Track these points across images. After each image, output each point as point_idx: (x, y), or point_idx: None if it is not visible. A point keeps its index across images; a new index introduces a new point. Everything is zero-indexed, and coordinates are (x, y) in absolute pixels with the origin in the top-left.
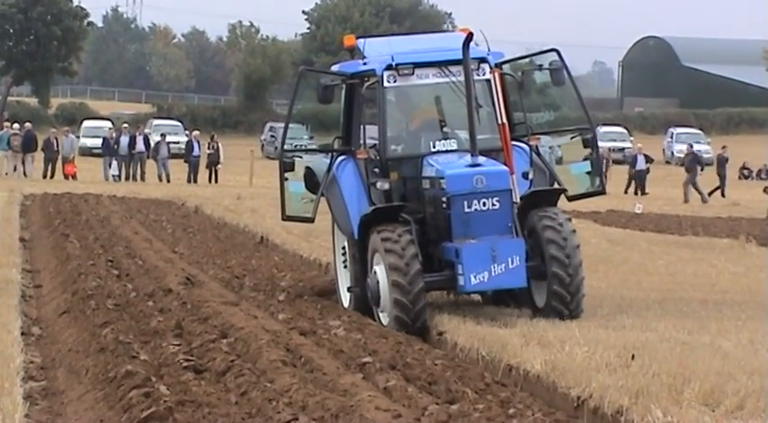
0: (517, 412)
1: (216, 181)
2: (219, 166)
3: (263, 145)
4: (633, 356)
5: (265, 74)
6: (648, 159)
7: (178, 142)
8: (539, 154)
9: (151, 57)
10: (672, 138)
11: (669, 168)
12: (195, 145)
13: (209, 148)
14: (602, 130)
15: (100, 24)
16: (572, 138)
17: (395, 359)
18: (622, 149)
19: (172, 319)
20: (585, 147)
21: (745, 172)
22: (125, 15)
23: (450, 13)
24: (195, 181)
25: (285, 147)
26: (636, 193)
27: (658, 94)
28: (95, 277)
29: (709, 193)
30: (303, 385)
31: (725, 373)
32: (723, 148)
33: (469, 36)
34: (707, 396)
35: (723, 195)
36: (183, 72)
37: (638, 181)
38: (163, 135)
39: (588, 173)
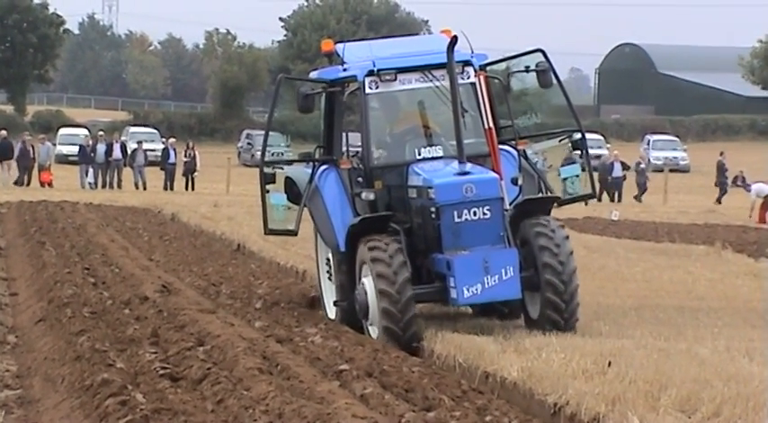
0: (494, 419)
1: (192, 188)
2: (196, 173)
3: (239, 152)
4: (610, 363)
5: (242, 81)
6: (624, 166)
7: (155, 150)
8: (527, 158)
9: (127, 64)
10: (648, 145)
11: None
12: (171, 152)
13: (185, 156)
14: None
15: (76, 32)
16: (560, 140)
17: (372, 366)
18: (599, 156)
19: (148, 327)
20: (575, 149)
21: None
22: (101, 23)
23: (427, 21)
24: (172, 188)
25: (266, 158)
26: (611, 201)
27: (634, 101)
28: (71, 285)
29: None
30: (280, 393)
31: (701, 379)
32: (721, 154)
33: (454, 39)
34: (683, 403)
35: (719, 202)
36: (160, 79)
37: (615, 188)
38: (140, 142)
39: (578, 176)
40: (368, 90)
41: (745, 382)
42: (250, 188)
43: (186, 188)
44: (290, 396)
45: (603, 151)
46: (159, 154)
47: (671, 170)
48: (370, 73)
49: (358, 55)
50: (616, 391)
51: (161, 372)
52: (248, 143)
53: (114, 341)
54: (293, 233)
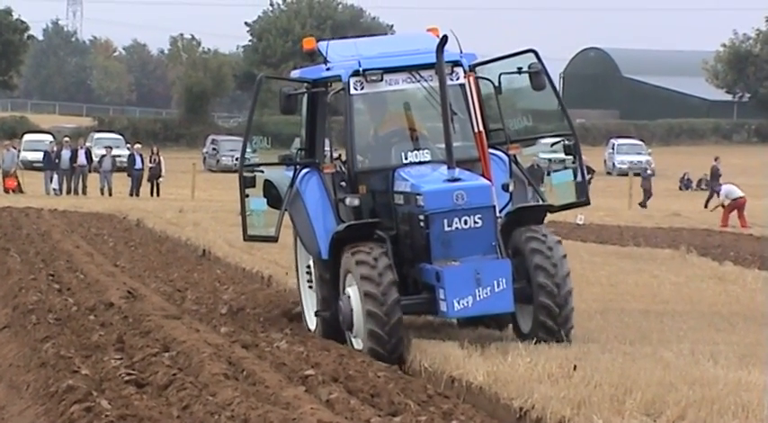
0: None
1: (158, 194)
2: (161, 179)
3: (204, 158)
4: (575, 367)
5: (207, 87)
6: (590, 170)
7: (120, 155)
8: (517, 163)
9: (92, 70)
10: (613, 149)
11: (610, 179)
12: (138, 158)
13: (150, 162)
14: (543, 141)
15: (40, 38)
16: (552, 145)
17: (337, 371)
18: (563, 160)
19: (113, 333)
20: (567, 154)
21: (686, 182)
22: (66, 29)
23: (392, 26)
24: (137, 194)
25: (247, 162)
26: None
27: (599, 106)
28: (36, 292)
29: (706, 206)
30: (245, 398)
31: (666, 383)
32: (716, 159)
33: (444, 39)
34: (648, 406)
35: (706, 206)
36: (125, 85)
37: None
38: (108, 148)
39: (571, 182)
40: (353, 91)
41: (710, 386)
42: (215, 194)
43: (151, 194)
44: (255, 401)
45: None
46: (123, 159)
47: (635, 174)
48: (356, 73)
49: (342, 54)
50: (581, 394)
51: (126, 378)
52: (213, 148)
53: (79, 347)
54: (274, 239)
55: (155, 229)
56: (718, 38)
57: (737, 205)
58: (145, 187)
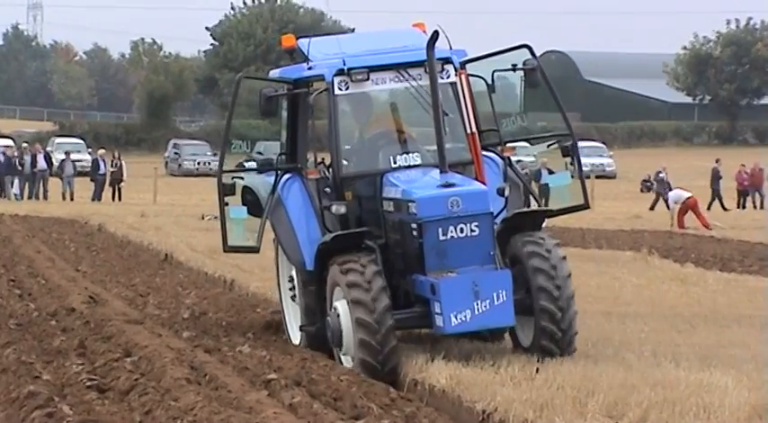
0: None
1: (119, 199)
2: (123, 183)
3: (166, 162)
4: (537, 370)
5: (168, 91)
6: (551, 173)
7: (81, 160)
8: (512, 166)
9: (53, 74)
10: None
11: (572, 181)
12: (101, 164)
13: (112, 166)
14: (534, 143)
15: (0, 42)
16: (549, 146)
17: (300, 375)
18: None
19: (75, 339)
20: (565, 156)
21: (648, 184)
22: (26, 33)
23: (354, 29)
24: (99, 199)
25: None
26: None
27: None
28: None
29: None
30: (208, 403)
31: (628, 385)
32: (717, 161)
33: (435, 34)
34: (611, 408)
35: (724, 207)
36: (86, 89)
37: (543, 195)
38: (68, 153)
39: (569, 185)
40: (337, 91)
41: (672, 387)
42: (177, 198)
43: (113, 198)
44: (218, 406)
45: (531, 158)
46: (85, 164)
47: (597, 176)
48: (340, 72)
49: (325, 52)
50: (544, 397)
51: (88, 383)
52: (175, 153)
53: (41, 353)
54: (255, 250)
55: (116, 233)
56: (679, 40)
57: (689, 206)
58: (106, 192)
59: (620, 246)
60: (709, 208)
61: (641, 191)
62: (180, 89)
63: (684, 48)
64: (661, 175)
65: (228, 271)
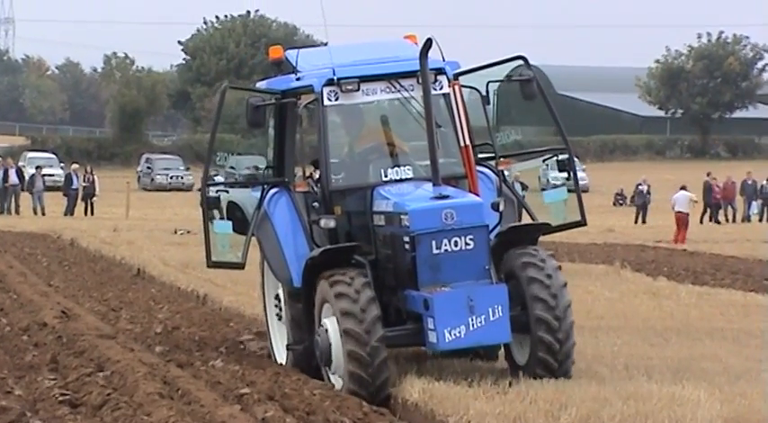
0: None
1: (92, 213)
2: (95, 198)
3: (139, 177)
4: (510, 383)
5: (141, 105)
6: (524, 187)
7: (53, 175)
8: (505, 181)
9: (25, 89)
10: (547, 165)
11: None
12: (74, 178)
13: (84, 181)
14: (529, 157)
15: None
16: (544, 160)
17: (273, 390)
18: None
19: (47, 354)
20: (561, 170)
21: (620, 199)
22: None
23: (326, 43)
24: (72, 213)
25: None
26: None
27: (533, 122)
28: None
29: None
30: (180, 418)
31: (601, 398)
32: (708, 174)
33: (428, 43)
34: (583, 421)
35: (711, 219)
36: (58, 104)
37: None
38: (38, 167)
39: (565, 200)
40: (326, 102)
41: (644, 400)
42: (150, 212)
43: (85, 213)
44: (190, 420)
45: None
46: (57, 179)
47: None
48: (330, 82)
49: (314, 62)
50: (516, 410)
51: (60, 398)
52: (148, 167)
53: (13, 368)
54: (240, 266)
55: (89, 248)
56: (651, 54)
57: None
58: (79, 206)
59: (593, 259)
60: (701, 221)
61: (614, 204)
62: (152, 103)
63: (656, 61)
64: (641, 187)
65: (201, 285)
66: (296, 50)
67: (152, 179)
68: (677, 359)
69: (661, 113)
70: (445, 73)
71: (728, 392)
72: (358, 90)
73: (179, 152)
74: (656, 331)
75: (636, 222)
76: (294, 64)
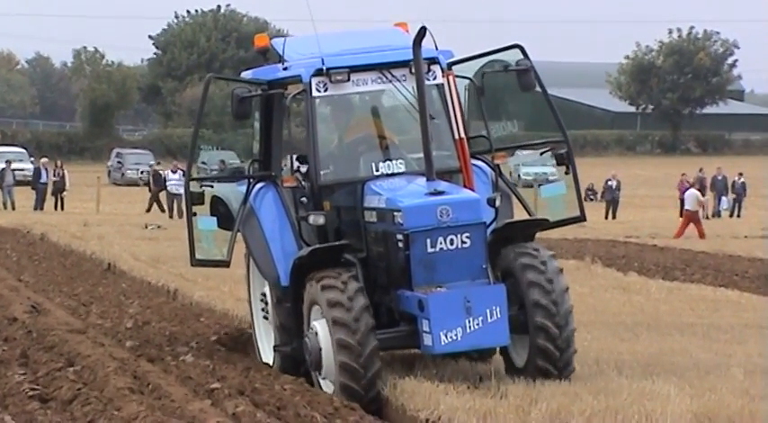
0: None
1: (62, 208)
2: (65, 192)
3: (109, 171)
4: (480, 378)
5: (111, 100)
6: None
7: (23, 169)
8: (501, 175)
9: None
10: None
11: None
12: (43, 172)
13: (54, 175)
14: (525, 151)
15: None
16: (542, 153)
17: (243, 385)
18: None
19: (17, 348)
20: (560, 164)
21: (591, 194)
22: None
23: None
24: (42, 208)
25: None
26: None
27: (505, 118)
28: None
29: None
30: (151, 412)
31: (571, 393)
32: (700, 170)
33: (422, 31)
34: (554, 416)
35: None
36: (28, 98)
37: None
38: (8, 162)
39: (563, 195)
40: (315, 93)
41: (615, 395)
42: (120, 207)
43: (56, 208)
44: (161, 415)
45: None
46: (28, 173)
47: (540, 185)
48: (318, 72)
49: (301, 51)
50: (487, 405)
51: (30, 393)
52: (118, 162)
53: None
54: (225, 264)
55: (59, 242)
56: (622, 50)
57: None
58: (49, 201)
59: (564, 254)
60: (606, 217)
61: (585, 200)
62: (123, 98)
63: (627, 57)
64: (610, 182)
65: (172, 280)
66: (282, 38)
67: (122, 174)
68: (647, 354)
69: (632, 109)
70: (439, 62)
71: (698, 387)
72: (348, 80)
73: (150, 147)
74: (626, 326)
75: (606, 218)
76: (281, 53)
